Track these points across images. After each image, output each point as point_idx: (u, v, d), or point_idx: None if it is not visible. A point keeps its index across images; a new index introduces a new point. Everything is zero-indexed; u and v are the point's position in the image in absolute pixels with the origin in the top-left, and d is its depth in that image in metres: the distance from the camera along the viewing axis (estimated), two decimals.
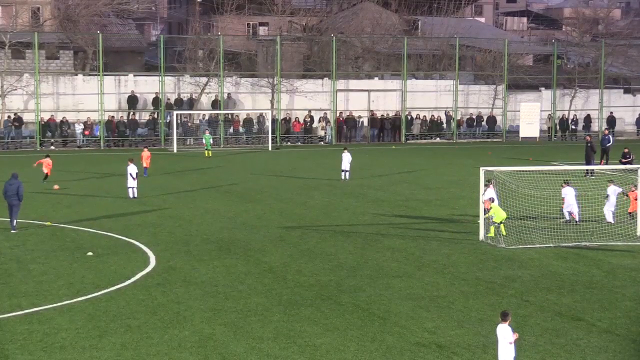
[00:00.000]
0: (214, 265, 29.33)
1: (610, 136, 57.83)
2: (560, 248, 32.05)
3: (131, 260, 29.94)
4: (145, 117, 69.97)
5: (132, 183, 42.51)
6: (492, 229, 33.37)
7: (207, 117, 70.23)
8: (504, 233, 33.30)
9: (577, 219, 36.00)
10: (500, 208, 33.82)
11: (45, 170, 46.97)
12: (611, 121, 76.11)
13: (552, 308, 24.63)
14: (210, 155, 60.62)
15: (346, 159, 48.71)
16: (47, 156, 48.35)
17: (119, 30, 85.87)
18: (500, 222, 33.38)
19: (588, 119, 76.93)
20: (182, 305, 24.56)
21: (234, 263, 29.62)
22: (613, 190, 36.30)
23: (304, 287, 26.58)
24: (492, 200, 33.92)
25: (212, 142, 62.97)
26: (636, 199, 34.85)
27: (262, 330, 22.48)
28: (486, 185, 34.45)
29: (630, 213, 35.37)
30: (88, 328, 22.51)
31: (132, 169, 42.51)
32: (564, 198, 36.31)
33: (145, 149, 51.06)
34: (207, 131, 64.38)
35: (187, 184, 47.21)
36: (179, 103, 69.81)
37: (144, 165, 48.84)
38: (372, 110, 72.79)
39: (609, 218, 36.11)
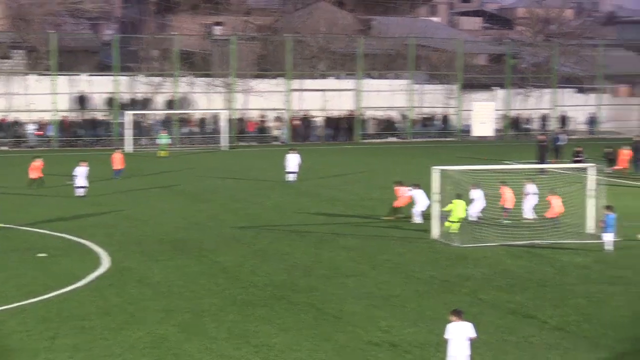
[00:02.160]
0: (168, 265, 29.20)
1: (563, 135, 58.35)
2: (513, 246, 32.29)
3: (84, 261, 29.71)
4: (99, 117, 69.41)
5: (81, 183, 42.41)
6: (452, 224, 33.61)
7: (161, 117, 69.89)
8: (455, 231, 33.55)
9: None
10: (461, 206, 34.13)
11: (34, 175, 45.08)
12: (564, 120, 76.77)
13: (505, 306, 24.82)
14: (165, 155, 60.35)
15: (293, 160, 48.40)
16: (37, 157, 46.37)
17: (73, 29, 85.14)
18: (457, 221, 33.67)
19: (545, 118, 77.54)
20: (136, 306, 24.42)
21: (188, 263, 29.51)
22: (532, 189, 36.70)
23: (257, 287, 26.54)
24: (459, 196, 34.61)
25: (168, 142, 62.69)
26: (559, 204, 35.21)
27: (216, 330, 22.42)
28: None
29: (547, 218, 35.44)
30: (40, 330, 22.29)
31: (81, 170, 42.47)
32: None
33: (118, 151, 50.66)
34: (163, 131, 64.06)
35: (142, 184, 46.95)
36: (134, 103, 69.38)
37: (119, 167, 48.54)
38: (326, 110, 72.85)
39: (529, 214, 36.47)
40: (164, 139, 61.99)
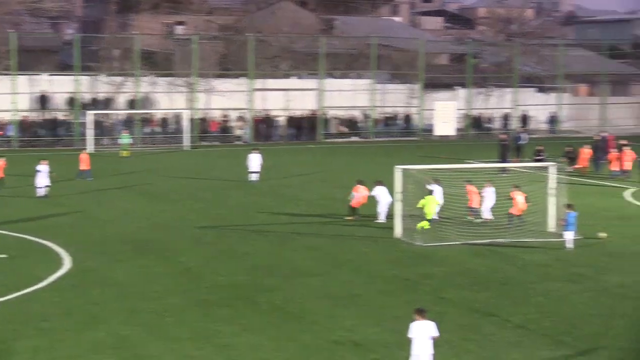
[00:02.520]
0: (131, 266, 29.07)
1: (524, 134, 58.69)
2: (475, 245, 32.45)
3: (45, 262, 29.49)
4: (60, 117, 68.90)
5: (42, 182, 42.13)
6: (424, 222, 34.00)
7: (123, 117, 69.51)
8: (419, 228, 33.74)
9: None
10: (433, 203, 34.34)
11: None
12: (525, 119, 77.28)
13: (467, 304, 24.95)
14: (127, 155, 60.04)
15: (255, 159, 48.33)
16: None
17: (33, 29, 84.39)
18: (429, 219, 33.96)
19: (506, 118, 77.97)
20: (98, 307, 24.29)
21: (150, 264, 29.39)
22: (490, 191, 36.90)
23: (220, 287, 26.49)
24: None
25: (130, 142, 62.39)
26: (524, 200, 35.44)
27: (178, 330, 22.36)
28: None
29: (511, 214, 35.67)
30: (0, 332, 22.10)
31: (42, 168, 42.20)
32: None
33: (84, 151, 50.22)
34: (124, 131, 63.72)
35: (104, 185, 46.66)
36: (95, 103, 68.93)
37: (85, 167, 48.19)
38: (289, 110, 72.85)
39: (488, 215, 36.72)
40: (125, 139, 61.66)
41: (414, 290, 26.39)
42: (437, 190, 36.85)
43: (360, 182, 38.06)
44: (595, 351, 21.30)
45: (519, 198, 35.33)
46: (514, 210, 35.42)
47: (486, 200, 36.90)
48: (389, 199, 36.37)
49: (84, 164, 48.50)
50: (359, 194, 37.51)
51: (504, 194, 37.12)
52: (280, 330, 22.44)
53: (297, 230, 35.14)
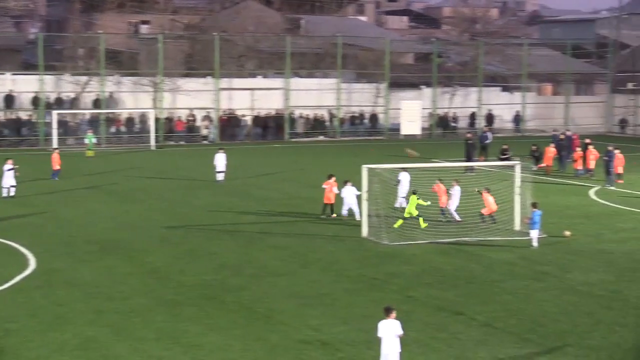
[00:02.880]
0: (96, 266, 28.91)
1: (489, 133, 58.99)
2: (442, 244, 32.58)
3: (10, 262, 29.25)
4: (24, 116, 68.39)
5: (7, 182, 41.80)
6: (400, 221, 34.31)
7: (88, 117, 69.13)
8: (397, 226, 34.03)
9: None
10: (414, 203, 34.49)
11: None
12: (490, 119, 77.67)
13: (434, 303, 25.04)
14: (92, 155, 59.71)
15: (221, 159, 48.21)
16: None
17: None
18: (409, 217, 34.11)
19: (473, 117, 78.33)
20: (63, 308, 24.14)
21: (117, 264, 29.25)
22: (457, 190, 37.05)
23: (187, 287, 26.42)
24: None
25: (95, 141, 62.06)
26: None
27: (145, 330, 22.27)
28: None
29: (482, 214, 35.90)
30: None
31: (8, 167, 41.89)
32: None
33: (56, 151, 49.68)
34: (89, 131, 63.34)
35: (69, 185, 46.37)
36: (59, 102, 68.49)
37: (57, 167, 47.76)
38: (255, 109, 72.76)
39: (457, 217, 36.86)
40: (91, 139, 61.28)
41: (381, 289, 26.45)
42: (405, 178, 37.00)
43: (330, 177, 37.81)
44: (561, 349, 21.44)
45: (490, 198, 35.53)
46: (485, 211, 35.62)
47: (453, 199, 37.01)
48: (353, 198, 36.40)
49: (56, 163, 48.04)
50: (329, 190, 37.41)
51: (471, 193, 37.34)
52: (247, 330, 22.41)
53: (265, 230, 35.11)
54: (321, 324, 22.99)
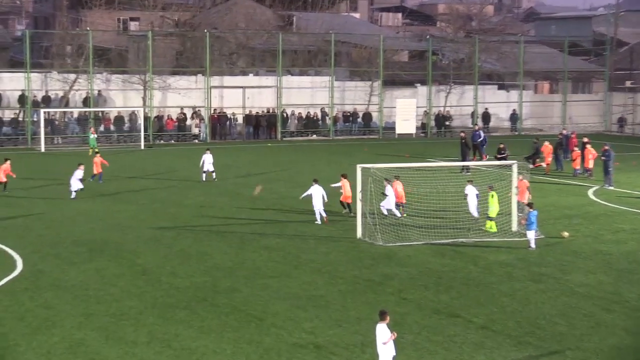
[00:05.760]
0: (85, 268, 28.82)
1: (481, 132, 58.80)
2: (438, 245, 32.55)
3: None
4: (9, 115, 68.25)
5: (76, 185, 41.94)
6: (490, 223, 34.53)
7: (76, 115, 68.99)
8: (494, 230, 34.21)
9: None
10: (496, 200, 34.45)
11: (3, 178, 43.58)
12: (486, 117, 77.69)
13: (430, 305, 25.00)
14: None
15: (208, 159, 48.10)
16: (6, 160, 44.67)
17: None
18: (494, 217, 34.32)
19: (473, 115, 78.09)
20: (52, 311, 24.05)
21: (106, 265, 29.16)
22: (471, 190, 37.08)
23: (178, 289, 26.35)
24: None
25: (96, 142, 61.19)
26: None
27: (135, 334, 22.20)
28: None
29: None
30: None
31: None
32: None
33: (98, 155, 49.02)
34: (91, 130, 62.89)
35: (57, 184, 46.24)
36: (47, 100, 68.33)
37: (99, 170, 47.37)
38: (247, 107, 72.71)
39: (475, 213, 36.97)
40: (93, 140, 60.59)
41: (376, 291, 26.40)
42: (390, 190, 36.86)
43: (344, 176, 37.60)
44: (560, 352, 21.43)
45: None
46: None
47: (469, 199, 36.93)
48: (320, 198, 36.22)
49: (98, 166, 47.33)
50: (344, 187, 37.26)
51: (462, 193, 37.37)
52: (240, 333, 22.36)
53: (257, 231, 35.04)
54: (315, 326, 22.95)
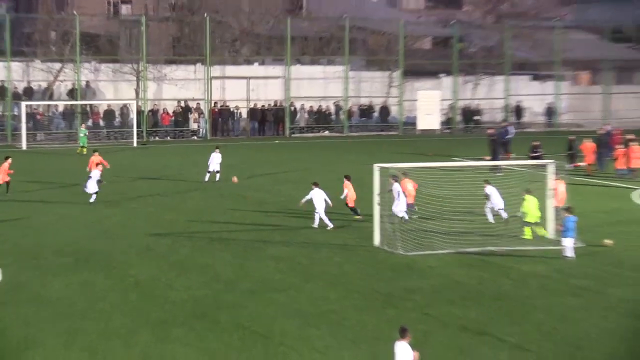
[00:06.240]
0: (70, 280, 28.82)
1: (511, 128, 58.65)
2: (465, 254, 32.43)
3: None
4: None
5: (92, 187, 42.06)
6: (527, 230, 34.34)
7: (61, 109, 69.15)
8: (542, 233, 34.23)
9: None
10: (534, 203, 34.34)
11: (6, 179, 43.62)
12: (518, 111, 77.60)
13: (456, 322, 24.89)
14: (85, 152, 59.17)
15: (216, 159, 48.11)
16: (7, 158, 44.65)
17: None
18: (534, 222, 34.23)
19: (506, 109, 77.93)
20: (32, 328, 24.03)
21: (94, 278, 29.16)
22: (491, 190, 37.01)
23: (175, 304, 26.31)
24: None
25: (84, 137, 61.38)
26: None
27: (126, 354, 22.17)
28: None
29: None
30: None
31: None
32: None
33: (95, 153, 48.91)
34: (82, 125, 63.01)
35: (39, 186, 46.35)
36: (29, 92, 68.50)
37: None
38: (251, 100, 72.77)
39: (490, 218, 36.99)
40: (83, 134, 60.79)
41: (396, 307, 26.32)
42: (397, 188, 36.76)
43: (348, 178, 37.82)
44: None
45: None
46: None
47: (492, 200, 36.91)
48: (322, 202, 36.22)
49: (93, 166, 47.23)
50: (348, 190, 37.39)
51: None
52: (244, 354, 22.30)
53: (263, 238, 35.03)
54: (327, 346, 22.87)
